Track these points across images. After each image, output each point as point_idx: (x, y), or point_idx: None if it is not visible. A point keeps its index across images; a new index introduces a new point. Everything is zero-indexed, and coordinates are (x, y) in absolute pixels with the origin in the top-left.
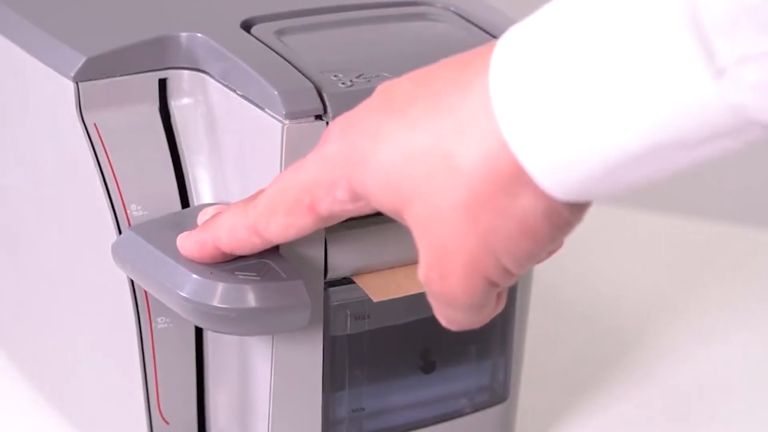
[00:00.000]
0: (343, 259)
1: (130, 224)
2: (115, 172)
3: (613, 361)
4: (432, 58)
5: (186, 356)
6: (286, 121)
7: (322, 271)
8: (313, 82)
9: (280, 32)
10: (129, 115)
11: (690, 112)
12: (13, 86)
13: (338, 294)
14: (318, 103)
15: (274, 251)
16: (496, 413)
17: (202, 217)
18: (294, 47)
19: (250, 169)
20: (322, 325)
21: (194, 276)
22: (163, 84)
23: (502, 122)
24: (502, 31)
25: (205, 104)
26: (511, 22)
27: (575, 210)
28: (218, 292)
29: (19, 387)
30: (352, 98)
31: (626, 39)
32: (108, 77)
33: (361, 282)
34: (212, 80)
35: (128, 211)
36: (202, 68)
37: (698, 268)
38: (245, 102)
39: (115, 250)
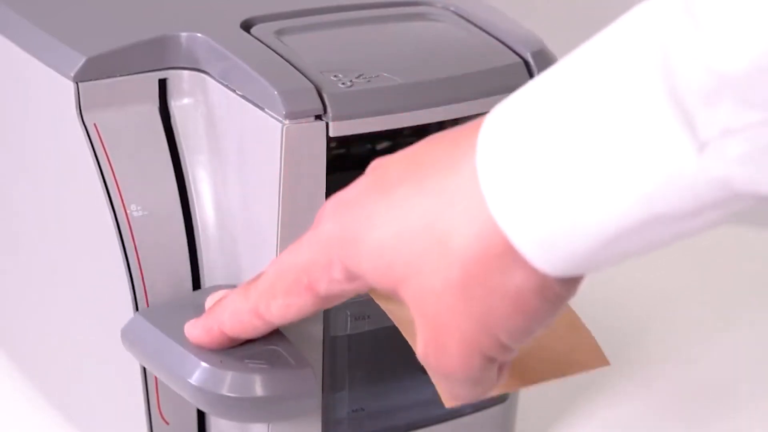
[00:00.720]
0: None
1: (130, 224)
2: (115, 172)
3: (614, 361)
4: (432, 58)
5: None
6: (286, 121)
7: None
8: (313, 82)
9: (280, 32)
10: (129, 115)
11: (675, 186)
12: (13, 86)
13: None
14: (318, 103)
15: (282, 337)
16: (496, 413)
17: (209, 302)
18: (294, 47)
19: (250, 169)
20: (322, 325)
21: (203, 364)
22: (163, 84)
23: (490, 202)
24: (503, 31)
25: (205, 104)
26: (511, 22)
27: (568, 285)
28: (227, 381)
29: (19, 387)
30: (352, 98)
31: (609, 115)
32: (108, 77)
33: None
34: (212, 80)
35: (128, 211)
36: (202, 68)
37: (698, 268)
38: (245, 102)
39: (125, 334)
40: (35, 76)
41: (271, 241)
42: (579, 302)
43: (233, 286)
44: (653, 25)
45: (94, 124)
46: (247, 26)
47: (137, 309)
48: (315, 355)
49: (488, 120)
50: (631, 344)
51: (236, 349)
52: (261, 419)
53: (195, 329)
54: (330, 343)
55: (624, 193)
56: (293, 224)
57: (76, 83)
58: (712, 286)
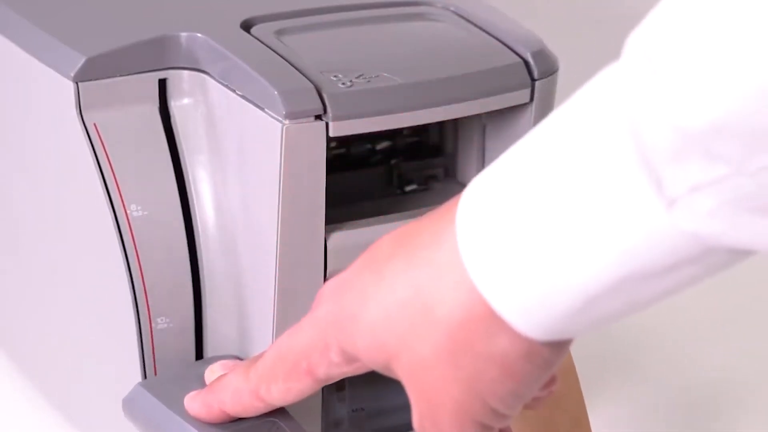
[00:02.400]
0: (343, 259)
1: (130, 224)
2: (115, 172)
3: (614, 362)
4: (432, 58)
5: (186, 356)
6: (286, 121)
7: (322, 271)
8: (313, 82)
9: (280, 32)
10: (129, 115)
11: (650, 244)
12: (13, 86)
13: None
14: (318, 103)
15: (281, 409)
16: None
17: (209, 374)
18: (294, 47)
19: (250, 169)
20: None
21: None
22: (163, 84)
23: (471, 270)
24: (503, 31)
25: (205, 104)
26: (511, 22)
27: (555, 349)
28: None
29: (19, 387)
30: (352, 98)
31: (580, 178)
32: (108, 77)
33: None
34: (212, 80)
35: (128, 211)
36: (202, 68)
37: None
38: (245, 102)
39: (126, 405)
40: (35, 76)
41: (271, 241)
42: None
43: (233, 357)
44: (619, 87)
45: (94, 124)
46: (247, 26)
47: (137, 309)
48: None
49: (466, 192)
50: (631, 344)
51: (236, 422)
52: None
53: (195, 403)
54: None
55: (599, 253)
56: (293, 224)
57: (76, 83)
58: (712, 285)
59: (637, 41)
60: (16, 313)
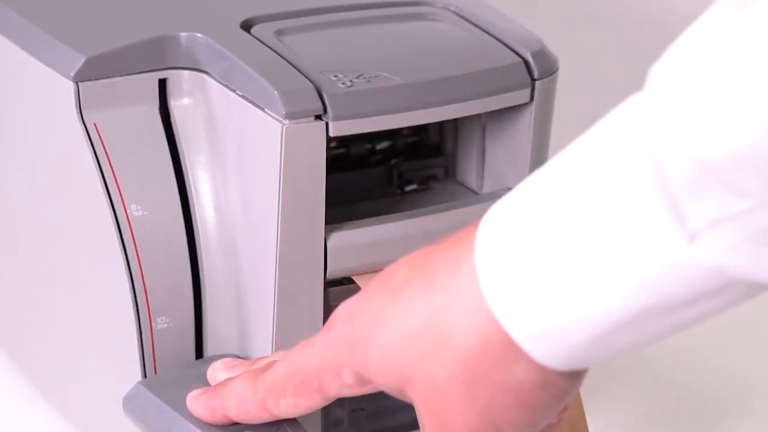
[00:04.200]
0: (343, 259)
1: (130, 224)
2: (115, 172)
3: (614, 362)
4: (432, 58)
5: (186, 356)
6: (286, 121)
7: (322, 271)
8: (313, 82)
9: (280, 32)
10: (129, 115)
11: (670, 276)
12: (13, 86)
13: (338, 294)
14: (318, 103)
15: None
16: None
17: (211, 373)
18: (294, 47)
19: (250, 169)
20: (322, 325)
21: None
22: (163, 84)
23: (489, 298)
24: (503, 31)
25: (205, 104)
26: (511, 22)
27: (571, 379)
28: None
29: (19, 386)
30: (352, 98)
31: (600, 209)
32: (108, 77)
33: (361, 282)
34: (212, 80)
35: (128, 211)
36: (202, 68)
37: None
38: (245, 102)
39: (126, 404)
40: (35, 76)
41: (271, 241)
42: None
43: (234, 356)
44: (641, 118)
45: (94, 124)
46: (247, 26)
47: (137, 309)
48: None
49: (486, 219)
50: None
51: (237, 424)
52: None
53: (198, 406)
54: None
55: (618, 285)
56: (293, 224)
57: (76, 83)
58: None
59: (659, 73)
60: (16, 313)
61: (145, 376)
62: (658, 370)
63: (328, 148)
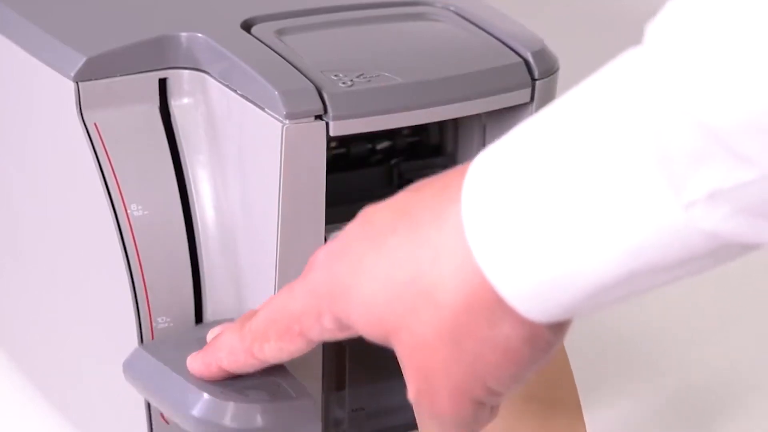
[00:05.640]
0: None
1: (130, 224)
2: (115, 172)
3: (614, 362)
4: (432, 58)
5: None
6: (286, 121)
7: None
8: (313, 82)
9: (280, 32)
10: (129, 115)
11: (662, 240)
12: (13, 86)
13: None
14: (318, 103)
15: (282, 368)
16: None
17: (210, 336)
18: (294, 47)
19: (250, 169)
20: None
21: (205, 395)
22: (163, 84)
23: (477, 254)
24: (503, 31)
25: (205, 104)
26: (512, 21)
27: (556, 331)
28: (229, 412)
29: (19, 387)
30: (352, 98)
31: (596, 168)
32: (108, 77)
33: None
34: (212, 80)
35: (128, 211)
36: (202, 68)
37: None
38: (245, 102)
39: (127, 367)
40: (35, 76)
41: (271, 241)
42: None
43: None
44: (642, 77)
45: (95, 124)
46: (247, 26)
47: (137, 308)
48: (315, 355)
49: (473, 168)
50: (631, 344)
51: (237, 381)
52: None
53: (195, 363)
54: (330, 343)
55: (610, 245)
56: (293, 224)
57: (76, 83)
58: (713, 285)
59: (660, 29)
60: (16, 313)
61: None
62: (658, 370)
63: (328, 148)
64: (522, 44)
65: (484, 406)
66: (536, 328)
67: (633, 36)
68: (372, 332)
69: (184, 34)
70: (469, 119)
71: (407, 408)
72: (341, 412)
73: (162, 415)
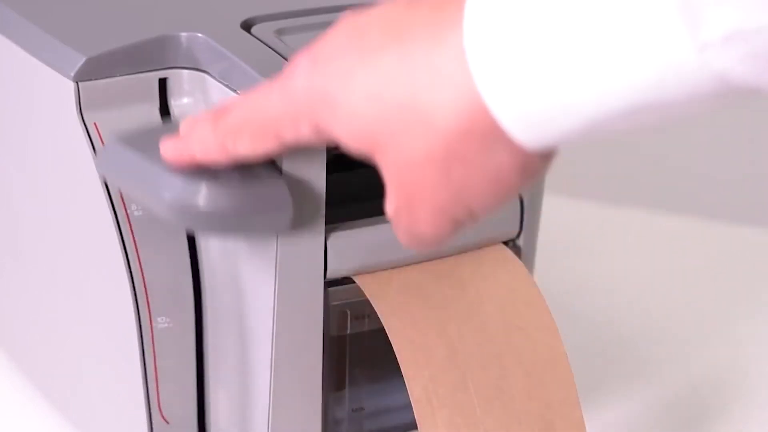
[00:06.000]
0: (343, 259)
1: (130, 224)
2: None
3: (614, 362)
4: None
5: (186, 356)
6: None
7: (322, 271)
8: None
9: (280, 32)
10: (129, 115)
11: (671, 78)
12: (14, 86)
13: (338, 294)
14: None
15: None
16: None
17: (183, 127)
18: (294, 47)
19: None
20: (322, 325)
21: (178, 179)
22: (163, 84)
23: (477, 77)
24: None
25: (205, 104)
26: None
27: (545, 158)
28: (202, 195)
29: (19, 386)
30: None
31: None
32: (108, 77)
33: (361, 282)
34: (212, 80)
35: (128, 211)
36: (202, 68)
37: (699, 267)
38: None
39: (100, 158)
40: (35, 76)
41: (271, 241)
42: (579, 303)
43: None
44: None
45: (95, 124)
46: (247, 26)
47: (137, 308)
48: (315, 355)
49: None
50: (631, 344)
51: (210, 167)
52: (234, 232)
53: (168, 150)
54: (330, 343)
55: (617, 77)
56: (293, 224)
57: (76, 83)
58: (713, 286)
59: None
60: (16, 313)
61: (145, 376)
62: (658, 369)
63: (328, 148)
64: None
65: (462, 225)
66: (529, 157)
67: None
68: (355, 145)
69: (184, 34)
70: None
71: (407, 408)
72: (341, 412)
73: (162, 415)
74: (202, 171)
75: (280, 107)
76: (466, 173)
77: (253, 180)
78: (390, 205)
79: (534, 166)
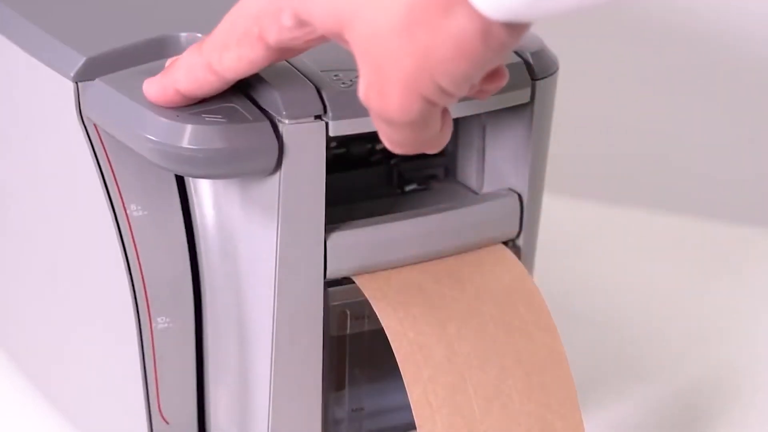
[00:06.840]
0: (343, 259)
1: (130, 224)
2: (115, 172)
3: (614, 362)
4: None
5: (186, 356)
6: (286, 121)
7: (322, 271)
8: (313, 82)
9: None
10: None
11: None
12: (14, 86)
13: (338, 294)
14: (318, 103)
15: (240, 96)
16: None
17: (168, 62)
18: None
19: None
20: (322, 325)
21: (161, 119)
22: None
23: None
24: None
25: None
26: None
27: (511, 32)
28: (186, 134)
29: (19, 386)
30: (352, 98)
31: None
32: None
33: (361, 282)
34: None
35: (128, 211)
36: None
37: (699, 268)
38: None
39: (84, 99)
40: (35, 76)
41: (271, 241)
42: (579, 303)
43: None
44: None
45: (95, 124)
46: None
47: (137, 309)
48: (315, 355)
49: None
50: (631, 344)
51: (194, 106)
52: (219, 173)
53: (151, 87)
54: (330, 343)
55: None
56: (293, 224)
57: (76, 83)
58: (713, 286)
59: None
60: (16, 314)
61: (145, 376)
62: (659, 369)
63: (328, 148)
64: (522, 44)
65: (433, 107)
66: (491, 25)
67: (633, 36)
68: (329, 26)
69: (183, 34)
70: (468, 119)
71: (407, 408)
72: (341, 412)
73: (162, 416)
74: (186, 109)
75: (261, 4)
76: (428, 39)
77: (237, 119)
78: (361, 87)
79: (498, 37)
